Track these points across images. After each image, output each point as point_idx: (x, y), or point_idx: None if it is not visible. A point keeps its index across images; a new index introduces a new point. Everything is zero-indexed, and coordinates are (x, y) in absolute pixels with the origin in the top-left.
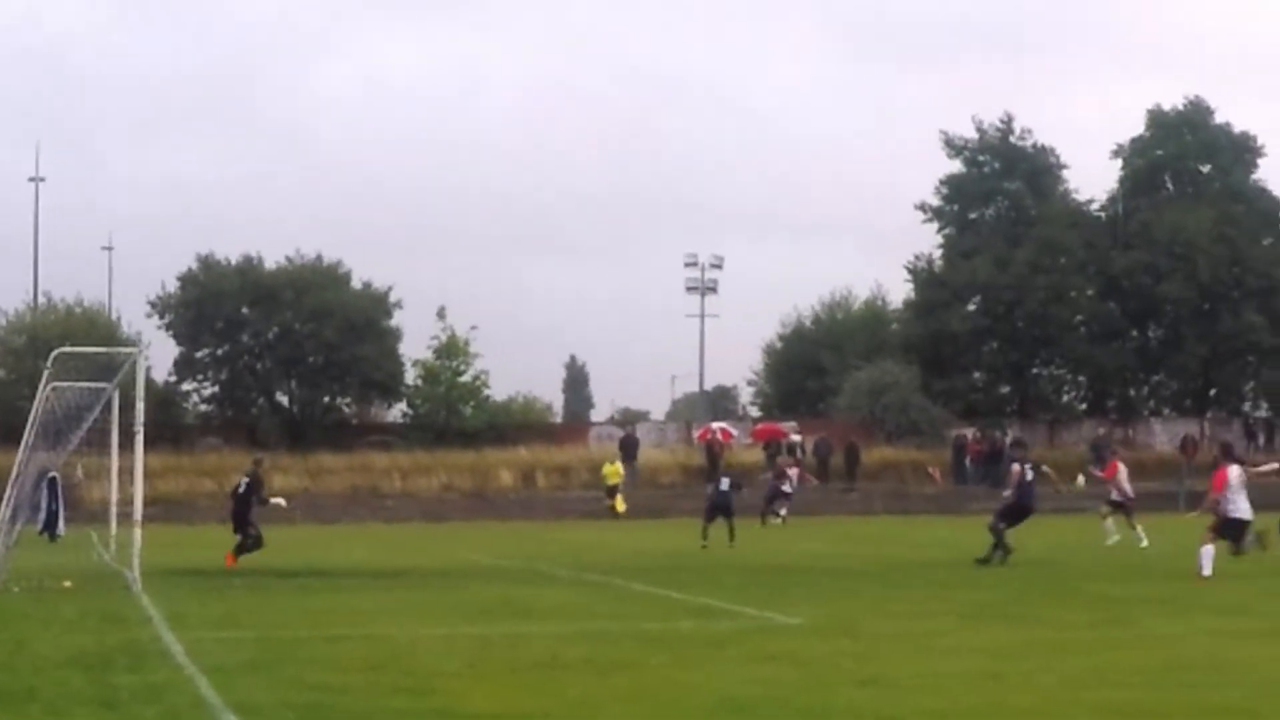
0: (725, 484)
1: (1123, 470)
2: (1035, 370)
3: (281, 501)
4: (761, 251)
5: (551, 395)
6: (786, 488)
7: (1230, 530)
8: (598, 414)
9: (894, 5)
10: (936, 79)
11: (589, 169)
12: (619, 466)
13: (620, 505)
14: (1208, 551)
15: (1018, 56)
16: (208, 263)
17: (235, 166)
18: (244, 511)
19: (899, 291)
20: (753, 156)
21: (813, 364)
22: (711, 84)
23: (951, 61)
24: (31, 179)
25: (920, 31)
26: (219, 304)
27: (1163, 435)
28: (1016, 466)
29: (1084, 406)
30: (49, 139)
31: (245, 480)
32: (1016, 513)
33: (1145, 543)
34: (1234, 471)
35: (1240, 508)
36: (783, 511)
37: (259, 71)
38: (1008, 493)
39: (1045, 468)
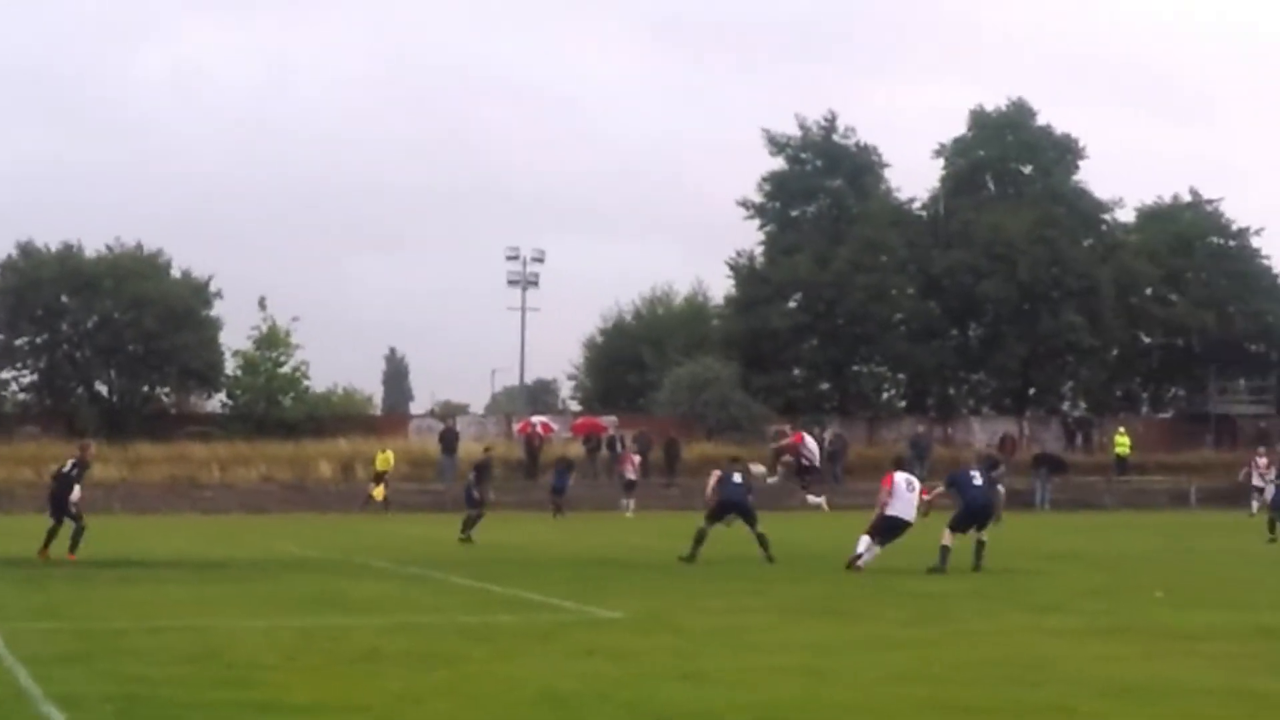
0: (737, 477)
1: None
2: (855, 367)
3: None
4: (583, 246)
5: (372, 387)
6: (631, 475)
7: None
8: (417, 406)
9: (718, 1)
10: (759, 75)
11: (408, 162)
12: (390, 455)
13: (380, 493)
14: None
15: (841, 54)
16: (27, 250)
17: (54, 153)
18: (64, 494)
19: (720, 288)
20: (574, 152)
21: (633, 359)
22: (528, 80)
23: (775, 58)
24: None
25: (742, 27)
26: (38, 292)
27: (982, 434)
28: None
29: (904, 404)
30: None
31: (72, 462)
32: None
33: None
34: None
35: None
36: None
37: (78, 59)
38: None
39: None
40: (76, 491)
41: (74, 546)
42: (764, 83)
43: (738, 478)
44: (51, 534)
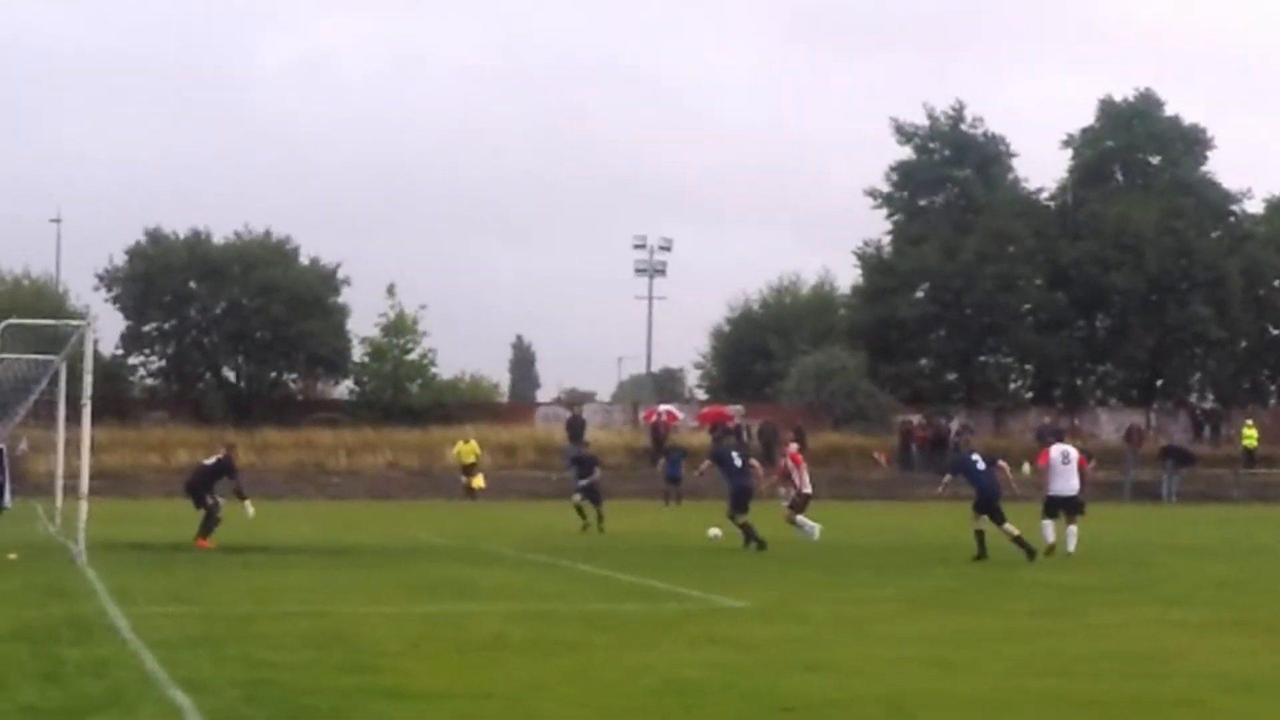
0: (737, 458)
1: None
2: (982, 358)
3: (249, 509)
4: (710, 235)
5: (499, 375)
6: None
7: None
8: (544, 394)
9: None
10: (888, 65)
11: (534, 151)
12: (474, 445)
13: (479, 482)
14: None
15: (969, 44)
16: (156, 237)
17: (184, 142)
18: (201, 486)
19: (847, 277)
20: (700, 142)
21: (760, 348)
22: (653, 70)
23: (904, 48)
24: None
25: (868, 17)
26: (167, 278)
27: (1109, 425)
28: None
29: (1030, 395)
30: None
31: (216, 459)
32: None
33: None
34: (1056, 453)
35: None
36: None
37: (205, 48)
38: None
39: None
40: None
41: (205, 533)
42: (891, 72)
43: (738, 459)
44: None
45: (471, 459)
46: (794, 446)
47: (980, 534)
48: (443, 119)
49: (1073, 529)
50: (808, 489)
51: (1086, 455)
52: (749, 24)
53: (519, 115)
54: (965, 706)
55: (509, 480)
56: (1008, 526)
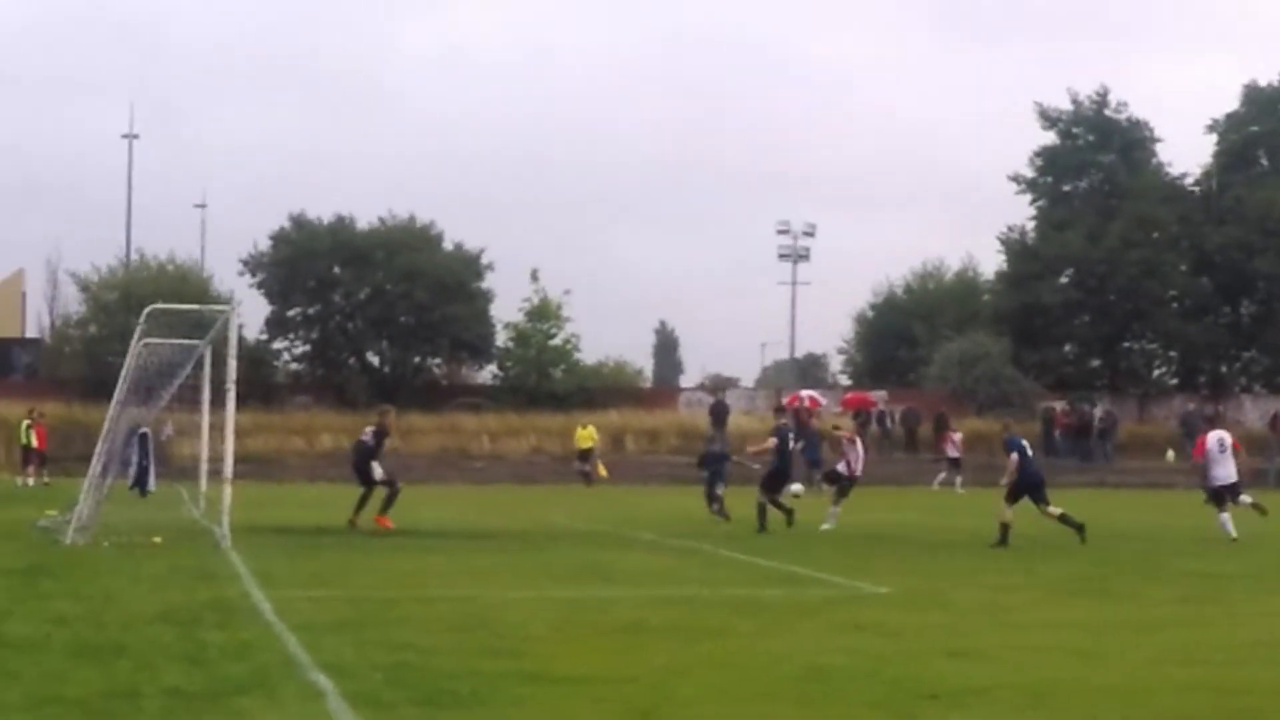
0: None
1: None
2: (1126, 344)
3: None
4: (854, 221)
5: (642, 360)
6: (953, 452)
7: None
8: (687, 380)
9: None
10: (1032, 50)
11: (677, 138)
12: (592, 430)
13: (602, 470)
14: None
15: (1113, 29)
16: (300, 222)
17: (326, 129)
18: (365, 462)
19: (991, 263)
20: (842, 128)
21: (904, 334)
22: (794, 56)
23: (1045, 33)
24: (125, 136)
25: (1016, 2)
26: (311, 263)
27: (1253, 412)
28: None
29: (1175, 382)
30: (143, 100)
31: (371, 430)
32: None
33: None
34: (1213, 440)
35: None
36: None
37: (346, 38)
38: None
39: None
40: (377, 469)
41: (385, 509)
42: (1035, 57)
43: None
44: (362, 501)
45: (589, 445)
46: (849, 425)
47: (1004, 525)
48: (583, 105)
49: (1226, 515)
50: (859, 472)
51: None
52: (891, 9)
53: (659, 102)
54: (1107, 695)
55: (652, 465)
56: (1050, 509)
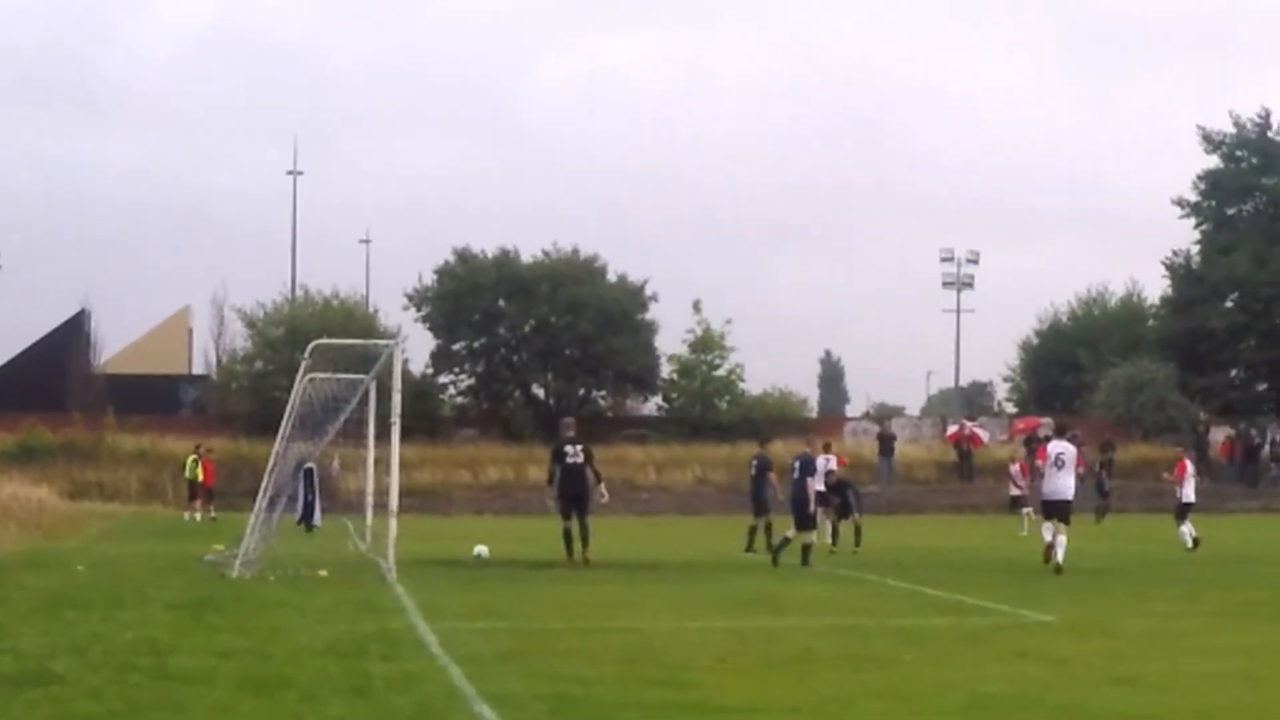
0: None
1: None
2: None
3: (604, 493)
4: (1017, 247)
5: (807, 390)
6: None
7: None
8: (853, 409)
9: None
10: (1193, 72)
11: (836, 165)
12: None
13: None
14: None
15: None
16: (464, 256)
17: (482, 159)
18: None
19: (1155, 288)
20: (1006, 153)
21: (1068, 360)
22: (955, 79)
23: (1209, 54)
24: (290, 172)
25: (1175, 23)
26: (476, 297)
27: None
28: None
29: None
30: (306, 136)
31: (580, 449)
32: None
33: None
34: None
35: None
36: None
37: (494, 70)
38: None
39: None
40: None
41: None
42: (1196, 79)
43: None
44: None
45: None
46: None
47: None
48: (739, 135)
49: None
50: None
51: None
52: (1052, 32)
53: (815, 130)
54: None
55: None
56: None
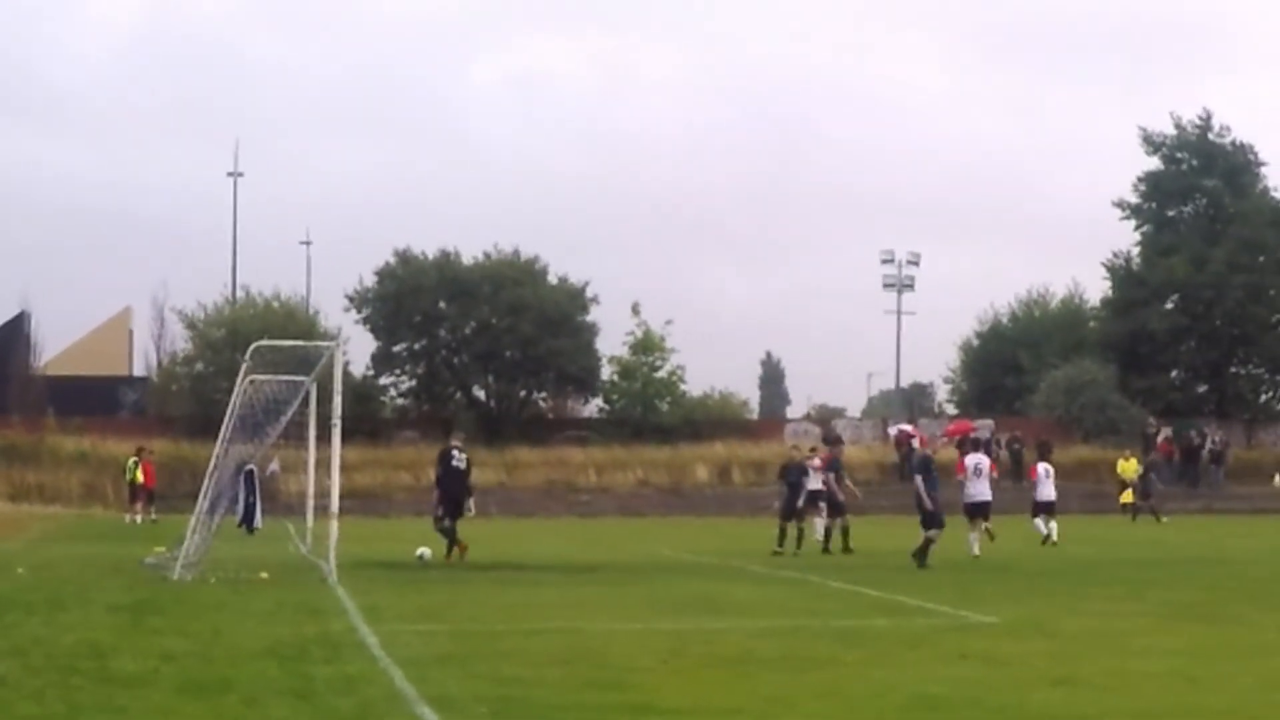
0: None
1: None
2: (1234, 369)
3: (470, 508)
4: (958, 249)
5: (748, 391)
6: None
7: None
8: (794, 410)
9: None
10: (1133, 75)
11: (776, 168)
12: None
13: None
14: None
15: (1215, 52)
16: (405, 257)
17: (420, 162)
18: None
19: (1096, 290)
20: (947, 155)
21: (1009, 362)
22: (893, 81)
23: (1149, 57)
24: (230, 174)
25: (1117, 26)
26: (416, 298)
27: None
28: None
29: None
30: (246, 138)
31: (465, 458)
32: None
33: None
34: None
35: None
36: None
37: (425, 72)
38: None
39: None
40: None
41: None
42: (1137, 82)
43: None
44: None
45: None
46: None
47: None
48: (671, 137)
49: None
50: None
51: None
52: (989, 36)
53: (751, 132)
54: None
55: (759, 496)
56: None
